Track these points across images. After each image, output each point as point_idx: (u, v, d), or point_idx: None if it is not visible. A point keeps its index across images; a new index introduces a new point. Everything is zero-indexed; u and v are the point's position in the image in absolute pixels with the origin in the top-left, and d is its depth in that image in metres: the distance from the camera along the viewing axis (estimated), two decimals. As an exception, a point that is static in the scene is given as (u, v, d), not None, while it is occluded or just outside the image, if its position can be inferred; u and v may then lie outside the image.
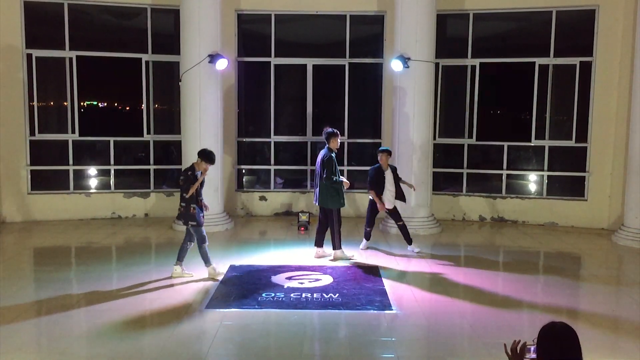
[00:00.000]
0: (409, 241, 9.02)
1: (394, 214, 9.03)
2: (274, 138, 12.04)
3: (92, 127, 11.66)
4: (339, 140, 8.46)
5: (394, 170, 8.98)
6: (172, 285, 7.22)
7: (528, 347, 2.84)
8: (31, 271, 8.28)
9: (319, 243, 8.66)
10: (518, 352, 2.85)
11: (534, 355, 2.81)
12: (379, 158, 8.88)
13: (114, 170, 11.65)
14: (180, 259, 7.61)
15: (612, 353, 5.37)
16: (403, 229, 9.03)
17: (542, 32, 11.22)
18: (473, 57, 11.53)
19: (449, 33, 11.74)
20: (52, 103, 11.61)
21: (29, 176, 11.18)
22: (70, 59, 11.20)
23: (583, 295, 7.38)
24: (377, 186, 8.82)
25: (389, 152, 8.98)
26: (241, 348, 5.43)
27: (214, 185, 10.25)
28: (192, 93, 10.36)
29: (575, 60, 11.09)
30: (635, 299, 6.95)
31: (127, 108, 13.05)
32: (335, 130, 8.45)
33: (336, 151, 8.46)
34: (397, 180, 8.93)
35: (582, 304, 7.03)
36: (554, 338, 2.71)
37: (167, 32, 11.61)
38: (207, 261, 7.52)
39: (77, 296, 6.88)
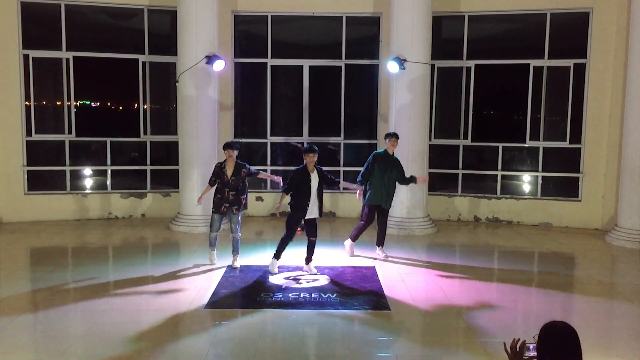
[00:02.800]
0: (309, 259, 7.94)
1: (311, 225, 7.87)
2: (270, 139, 12.08)
3: (89, 128, 11.66)
4: (389, 141, 8.61)
5: (320, 172, 7.73)
6: (170, 286, 7.26)
7: (527, 345, 2.89)
8: (28, 272, 8.27)
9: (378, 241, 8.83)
10: (517, 350, 2.90)
11: (533, 353, 2.87)
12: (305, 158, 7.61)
13: (111, 170, 11.67)
14: (232, 252, 8.21)
15: (607, 352, 5.43)
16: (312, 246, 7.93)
17: (537, 34, 11.30)
18: (468, 59, 11.60)
19: (445, 35, 11.81)
20: (48, 104, 11.60)
21: (26, 176, 11.17)
22: (67, 60, 11.20)
23: (577, 294, 7.46)
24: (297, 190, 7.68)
25: (314, 151, 7.60)
26: (240, 348, 5.46)
27: (210, 186, 10.28)
28: (189, 94, 10.39)
29: (569, 62, 11.18)
30: (629, 299, 7.03)
31: (124, 109, 13.04)
32: (391, 132, 8.77)
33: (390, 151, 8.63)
34: (322, 185, 7.73)
35: (577, 303, 7.11)
36: (555, 337, 2.74)
37: (164, 33, 11.63)
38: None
39: (74, 297, 6.91)
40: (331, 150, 12.24)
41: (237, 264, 8.08)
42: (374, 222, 8.76)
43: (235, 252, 8.14)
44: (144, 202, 11.68)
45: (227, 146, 8.03)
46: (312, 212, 7.66)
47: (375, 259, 8.65)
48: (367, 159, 8.74)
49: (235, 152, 8.00)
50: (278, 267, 7.87)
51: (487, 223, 11.61)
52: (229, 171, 7.96)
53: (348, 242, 8.81)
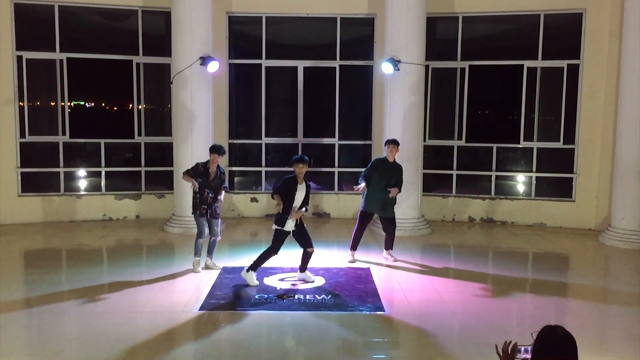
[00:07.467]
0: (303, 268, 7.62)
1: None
2: (265, 140, 12.08)
3: (83, 129, 11.62)
4: (387, 149, 8.47)
5: (307, 187, 7.42)
6: (164, 287, 7.26)
7: (519, 347, 2.91)
8: (22, 274, 8.25)
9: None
10: (509, 352, 2.92)
11: (524, 355, 2.89)
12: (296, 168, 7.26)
13: (105, 172, 11.65)
14: (210, 253, 8.12)
15: (602, 353, 5.46)
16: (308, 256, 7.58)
17: (530, 35, 11.34)
18: (462, 60, 11.63)
19: (439, 35, 11.84)
20: (42, 105, 11.57)
21: (20, 178, 11.14)
22: (61, 61, 11.17)
23: (571, 295, 7.50)
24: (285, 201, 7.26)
25: (304, 162, 7.27)
26: (235, 349, 5.47)
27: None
28: (184, 95, 10.39)
29: (562, 63, 11.23)
30: (623, 300, 7.07)
31: (118, 110, 13.01)
32: (390, 139, 8.66)
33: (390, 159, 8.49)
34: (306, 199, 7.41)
35: (571, 304, 7.13)
36: (554, 344, 2.75)
37: (158, 34, 11.62)
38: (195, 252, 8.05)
39: (69, 299, 6.88)
40: (324, 152, 12.25)
41: (219, 265, 8.10)
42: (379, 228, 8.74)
43: (211, 254, 8.07)
44: (138, 203, 11.66)
45: (215, 150, 7.80)
46: (289, 226, 7.26)
47: (381, 263, 8.66)
48: (370, 161, 8.77)
49: (220, 158, 7.84)
50: (273, 269, 7.85)
51: (482, 223, 11.65)
52: (212, 174, 7.85)
53: (349, 251, 8.71)
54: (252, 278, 7.34)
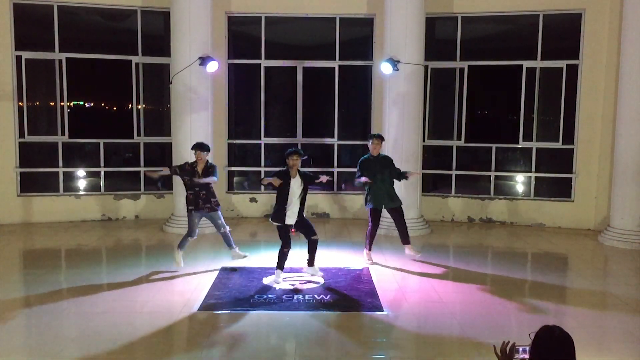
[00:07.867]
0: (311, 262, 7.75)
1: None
2: (264, 140, 12.08)
3: (82, 129, 11.62)
4: (371, 144, 8.39)
5: (304, 178, 7.44)
6: (163, 287, 7.26)
7: (517, 347, 2.92)
8: (22, 274, 8.24)
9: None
10: (507, 352, 2.92)
11: (522, 356, 2.89)
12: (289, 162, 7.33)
13: (104, 172, 11.64)
14: (230, 245, 8.02)
15: (600, 353, 5.47)
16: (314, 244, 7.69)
17: (530, 35, 11.34)
18: (462, 60, 11.63)
19: (438, 36, 11.84)
20: (41, 105, 11.56)
21: (19, 178, 11.14)
22: (60, 61, 11.17)
23: (570, 295, 7.50)
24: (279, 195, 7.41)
25: (298, 154, 7.35)
26: (234, 350, 5.47)
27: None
28: (183, 95, 10.39)
29: (562, 63, 11.23)
30: (621, 300, 7.07)
31: (117, 110, 13.02)
32: (373, 134, 8.65)
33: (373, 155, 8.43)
34: (305, 192, 7.51)
35: (570, 304, 7.15)
36: (551, 343, 2.75)
37: (158, 34, 11.61)
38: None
39: (68, 298, 6.88)
40: (323, 152, 12.25)
41: (245, 252, 8.05)
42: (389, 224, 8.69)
43: (231, 245, 8.02)
44: (137, 203, 11.66)
45: (198, 147, 7.75)
46: (289, 219, 7.36)
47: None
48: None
49: (205, 154, 7.77)
50: (272, 270, 7.81)
51: (481, 224, 11.65)
52: (200, 171, 7.78)
53: (364, 252, 8.63)
54: (278, 275, 7.45)
